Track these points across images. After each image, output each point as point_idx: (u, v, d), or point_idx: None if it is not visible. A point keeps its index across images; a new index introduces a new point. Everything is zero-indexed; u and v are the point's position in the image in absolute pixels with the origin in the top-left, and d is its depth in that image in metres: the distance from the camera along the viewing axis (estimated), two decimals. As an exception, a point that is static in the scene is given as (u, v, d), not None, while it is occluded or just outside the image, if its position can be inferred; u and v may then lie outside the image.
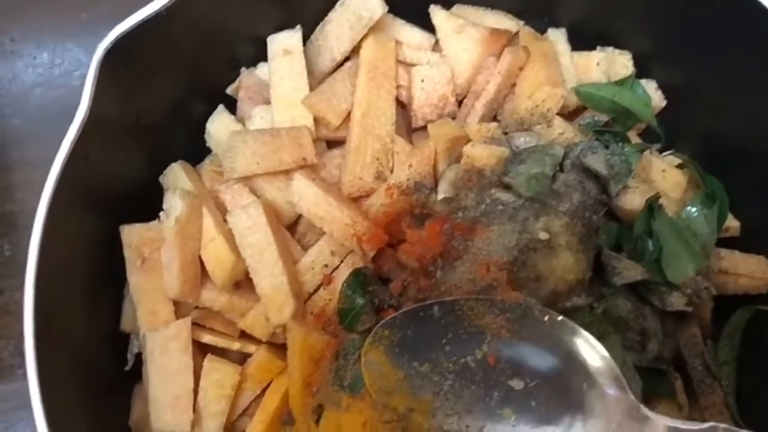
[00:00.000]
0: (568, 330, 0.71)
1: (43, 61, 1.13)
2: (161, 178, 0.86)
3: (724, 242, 0.90)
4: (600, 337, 0.74)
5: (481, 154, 0.80)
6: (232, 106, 0.92)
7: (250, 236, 0.79)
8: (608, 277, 0.80)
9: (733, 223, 0.90)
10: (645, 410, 0.69)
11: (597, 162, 0.81)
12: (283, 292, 0.79)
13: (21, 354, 0.95)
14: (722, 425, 0.66)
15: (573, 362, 0.70)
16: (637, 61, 0.94)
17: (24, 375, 0.96)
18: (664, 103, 0.94)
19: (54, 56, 1.13)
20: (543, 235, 0.74)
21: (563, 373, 0.71)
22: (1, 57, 1.13)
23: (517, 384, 0.71)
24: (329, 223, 0.82)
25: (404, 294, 0.80)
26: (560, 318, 0.71)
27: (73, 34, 1.11)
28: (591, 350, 0.70)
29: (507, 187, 0.78)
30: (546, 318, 0.71)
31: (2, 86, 1.11)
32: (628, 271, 0.79)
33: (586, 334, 0.71)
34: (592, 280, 0.80)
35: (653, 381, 0.81)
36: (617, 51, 0.94)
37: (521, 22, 0.95)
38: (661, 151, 0.96)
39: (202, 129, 0.90)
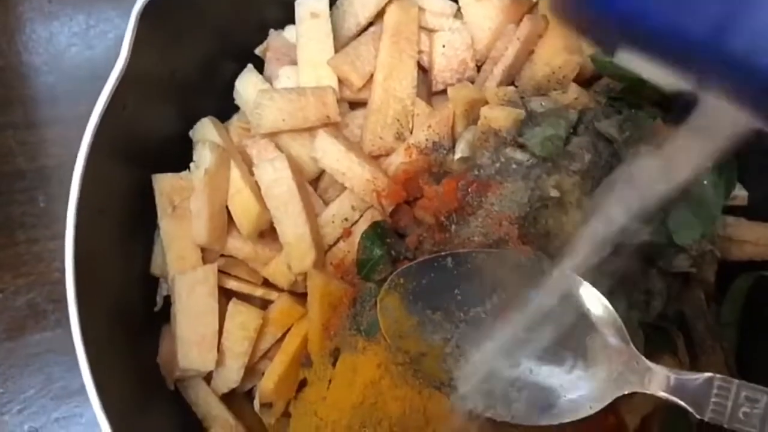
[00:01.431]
0: (575, 283, 0.74)
1: (79, 22, 1.17)
2: (191, 132, 0.90)
3: (732, 210, 0.93)
4: (605, 294, 0.78)
5: (498, 115, 0.84)
6: (260, 66, 0.96)
7: (276, 188, 0.83)
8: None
9: (740, 193, 0.92)
10: (645, 361, 0.73)
11: (609, 127, 0.84)
12: (305, 241, 0.83)
13: (53, 300, 1.02)
14: (718, 375, 0.70)
15: (578, 312, 0.74)
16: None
17: (56, 321, 1.02)
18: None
19: (89, 18, 1.17)
20: (554, 193, 0.78)
21: (569, 323, 0.74)
22: (40, 18, 1.17)
23: (524, 331, 0.75)
24: (350, 178, 0.86)
25: (420, 248, 0.84)
26: (567, 271, 0.74)
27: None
28: (595, 301, 0.74)
29: (522, 147, 0.82)
30: (554, 271, 0.75)
31: (39, 45, 1.16)
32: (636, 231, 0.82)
33: (590, 287, 0.74)
34: (600, 239, 0.84)
35: (656, 338, 0.84)
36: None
37: (541, -9, 0.98)
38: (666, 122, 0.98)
39: (231, 87, 0.94)
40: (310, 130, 0.88)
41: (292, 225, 0.83)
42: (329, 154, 0.85)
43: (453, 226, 0.81)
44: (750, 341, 0.91)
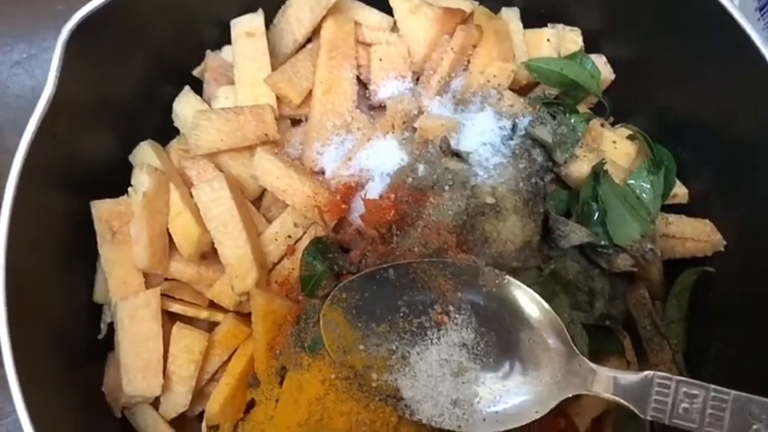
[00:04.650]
0: (514, 287, 0.75)
1: (20, 51, 1.16)
2: (131, 157, 0.90)
3: (673, 208, 0.94)
4: (548, 297, 0.78)
5: (433, 125, 0.84)
6: (199, 87, 0.96)
7: (215, 209, 0.83)
8: (556, 240, 0.84)
9: (680, 190, 0.94)
10: (587, 362, 0.73)
11: (543, 132, 0.85)
12: (247, 261, 0.83)
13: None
14: (659, 373, 0.70)
15: (518, 316, 0.74)
16: (588, 38, 0.98)
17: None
18: (612, 76, 0.98)
19: (31, 47, 1.16)
20: (489, 200, 0.78)
21: (510, 327, 0.75)
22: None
23: (467, 338, 0.75)
24: (291, 195, 0.86)
25: (364, 261, 0.84)
26: (506, 276, 0.75)
27: (50, 26, 1.13)
28: (533, 305, 0.74)
29: (458, 156, 0.82)
30: (492, 277, 0.75)
31: (-19, 75, 1.15)
32: (575, 234, 0.83)
33: (529, 290, 0.75)
34: (541, 243, 0.85)
35: (602, 339, 0.85)
36: (567, 28, 0.98)
37: (476, 2, 0.99)
38: (613, 124, 1.00)
39: (170, 110, 0.94)
40: (250, 148, 0.88)
41: (232, 245, 0.83)
42: (268, 171, 0.85)
43: (394, 238, 0.82)
44: (698, 336, 0.92)
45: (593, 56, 0.97)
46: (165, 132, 0.94)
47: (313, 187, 0.85)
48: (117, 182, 0.87)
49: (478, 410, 0.74)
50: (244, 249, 0.83)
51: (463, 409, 0.74)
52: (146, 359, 0.81)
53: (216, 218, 0.83)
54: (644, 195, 0.89)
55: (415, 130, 0.88)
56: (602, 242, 0.84)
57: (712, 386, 0.68)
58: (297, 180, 0.85)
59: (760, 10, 1.10)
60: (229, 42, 0.95)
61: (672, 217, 0.92)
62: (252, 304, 0.82)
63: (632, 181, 0.90)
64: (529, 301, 0.75)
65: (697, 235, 0.90)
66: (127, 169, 0.89)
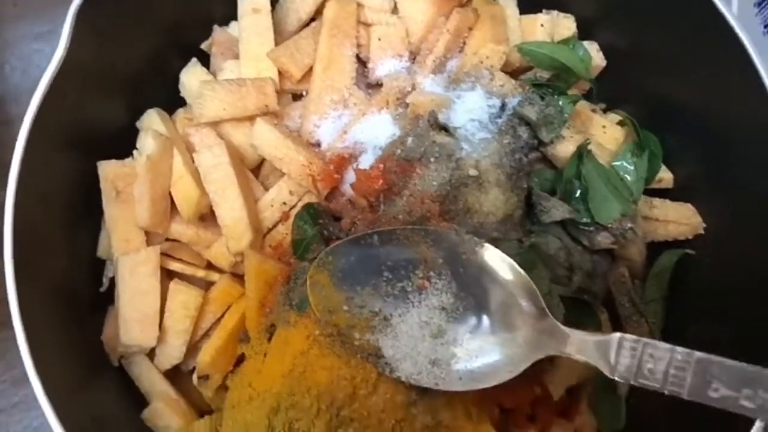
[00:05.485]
0: (490, 253, 0.78)
1: (42, 25, 1.22)
2: (138, 123, 0.94)
3: (658, 192, 0.97)
4: (527, 268, 0.82)
5: (424, 100, 0.88)
6: (206, 60, 1.01)
7: (214, 173, 0.88)
8: (538, 215, 0.87)
9: (666, 175, 0.97)
10: (559, 325, 0.76)
11: (531, 111, 0.88)
12: (242, 224, 0.87)
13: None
14: (627, 335, 0.73)
15: (494, 281, 0.78)
16: (582, 24, 1.02)
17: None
18: (604, 63, 1.01)
19: (55, 19, 1.21)
20: (473, 172, 0.82)
21: (487, 291, 0.78)
22: (5, 22, 1.22)
23: (446, 302, 0.79)
24: (287, 164, 0.90)
25: (354, 229, 0.88)
26: (483, 243, 0.79)
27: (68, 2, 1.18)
28: (508, 270, 0.78)
29: (445, 130, 0.86)
30: (471, 244, 0.79)
31: (6, 46, 1.20)
32: (556, 210, 0.86)
33: (506, 256, 0.78)
34: (524, 218, 0.88)
35: (579, 312, 0.88)
36: (561, 14, 1.01)
37: (475, -13, 1.03)
38: (606, 110, 1.03)
39: (178, 81, 0.99)
40: (251, 119, 0.93)
41: (229, 208, 0.87)
42: (267, 141, 0.90)
43: (382, 206, 0.86)
44: (678, 316, 0.95)
45: (586, 43, 1.00)
46: (172, 101, 0.99)
47: (309, 157, 0.90)
48: (124, 145, 0.92)
49: (455, 370, 0.78)
50: (240, 212, 0.87)
51: (440, 369, 0.78)
52: (144, 312, 0.85)
53: (215, 182, 0.87)
54: (627, 176, 0.92)
55: (407, 106, 0.92)
56: (584, 219, 0.88)
57: (678, 348, 0.70)
58: (294, 150, 0.89)
59: (758, 5, 1.13)
60: (236, 18, 0.99)
61: (656, 201, 0.96)
62: (245, 264, 0.87)
63: (617, 163, 0.93)
64: (505, 266, 0.78)
65: (679, 218, 0.94)
66: (134, 134, 0.94)
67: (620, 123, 0.99)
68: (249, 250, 0.87)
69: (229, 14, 1.00)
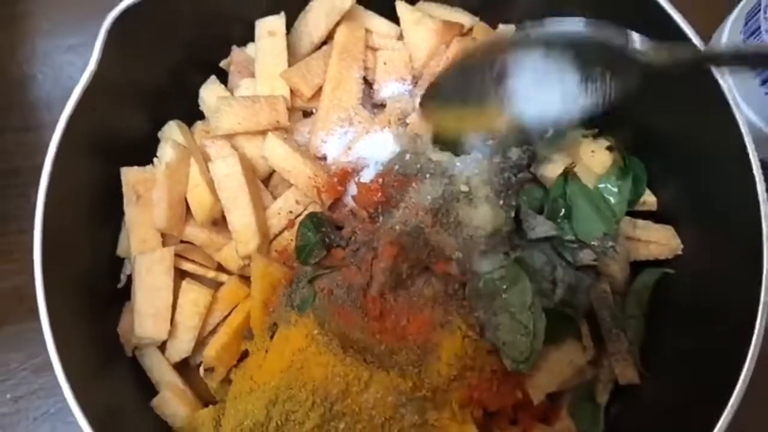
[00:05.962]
0: None
1: (74, 38, 1.30)
2: (159, 133, 1.02)
3: (643, 215, 1.03)
4: (512, 280, 0.89)
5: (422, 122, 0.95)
6: (224, 78, 1.09)
7: (227, 182, 0.95)
8: (525, 231, 0.94)
9: (649, 198, 1.03)
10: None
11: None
12: (251, 229, 0.94)
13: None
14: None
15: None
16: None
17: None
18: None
19: (87, 34, 1.29)
20: (464, 188, 0.89)
21: None
22: (40, 34, 1.31)
23: None
24: (295, 176, 0.97)
25: (353, 238, 0.95)
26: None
27: (98, 17, 1.26)
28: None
29: (441, 149, 0.93)
30: None
31: (38, 58, 1.29)
32: (541, 226, 0.93)
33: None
34: (512, 233, 0.95)
35: (561, 324, 0.94)
36: (557, 45, 1.08)
37: (477, 18, 1.10)
38: (596, 136, 1.09)
39: (197, 96, 1.07)
40: (263, 133, 1.00)
41: (239, 215, 0.94)
42: (277, 153, 0.97)
43: (380, 217, 0.92)
44: (657, 333, 1.00)
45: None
46: (191, 114, 1.07)
47: (315, 170, 0.97)
48: (145, 153, 0.99)
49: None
50: (249, 219, 0.94)
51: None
52: (157, 307, 0.92)
53: (227, 190, 0.95)
54: (611, 198, 0.99)
55: (408, 125, 0.99)
56: (568, 237, 0.94)
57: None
58: (301, 163, 0.97)
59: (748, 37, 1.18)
60: (253, 39, 1.07)
61: (640, 222, 1.01)
62: (252, 267, 0.94)
63: (601, 185, 0.99)
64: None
65: (659, 239, 0.99)
66: (155, 143, 1.01)
67: (608, 148, 1.05)
68: (256, 254, 0.94)
69: (247, 36, 1.08)
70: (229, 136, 1.00)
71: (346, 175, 0.97)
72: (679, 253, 0.99)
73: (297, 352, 0.87)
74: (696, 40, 0.88)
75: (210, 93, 1.05)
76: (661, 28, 0.90)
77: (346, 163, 0.99)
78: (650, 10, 0.91)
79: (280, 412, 0.84)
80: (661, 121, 1.02)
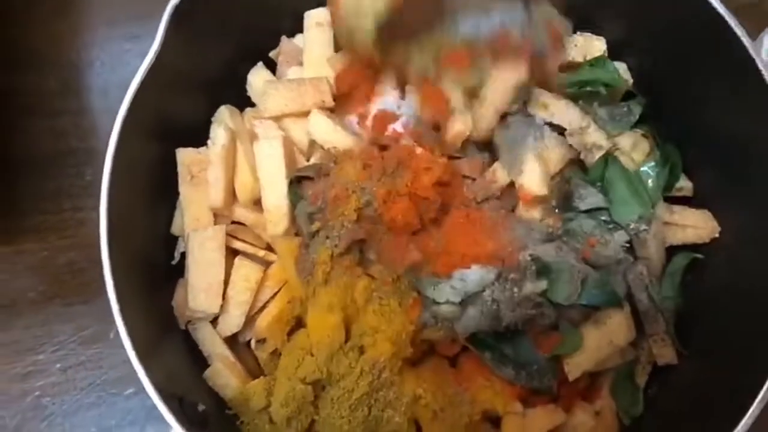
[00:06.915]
0: None
1: (133, 29, 1.36)
2: (213, 118, 1.07)
3: (679, 200, 1.06)
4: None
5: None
6: (272, 68, 1.13)
7: (267, 163, 0.99)
8: (574, 201, 0.97)
9: (686, 184, 1.05)
10: None
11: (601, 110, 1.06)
12: (281, 211, 0.98)
13: (91, 260, 1.17)
14: None
15: None
16: (612, 46, 1.11)
17: (91, 278, 1.17)
18: (631, 81, 1.10)
19: (145, 24, 1.31)
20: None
21: None
22: (100, 24, 1.37)
23: None
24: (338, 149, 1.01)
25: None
26: None
27: (156, 9, 1.30)
28: None
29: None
30: None
31: (97, 45, 1.35)
32: (593, 197, 0.97)
33: None
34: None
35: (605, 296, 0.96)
36: (594, 36, 1.11)
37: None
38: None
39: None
40: (309, 114, 1.03)
41: (274, 196, 0.98)
42: (320, 128, 1.01)
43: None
44: (691, 314, 1.02)
45: (616, 63, 1.09)
46: (241, 102, 1.11)
47: (357, 142, 1.01)
48: (199, 136, 1.04)
49: None
50: (282, 201, 0.98)
51: None
52: (209, 282, 0.96)
53: (266, 170, 0.98)
54: (649, 182, 1.02)
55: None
56: (603, 218, 0.97)
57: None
58: (343, 136, 1.01)
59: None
60: (301, 31, 1.11)
61: (676, 207, 1.04)
62: (276, 247, 0.99)
63: (641, 170, 1.02)
64: None
65: (696, 223, 1.02)
66: (207, 126, 1.05)
67: (644, 136, 1.07)
68: (279, 237, 0.98)
69: (295, 27, 1.12)
70: (277, 118, 1.04)
71: (385, 120, 1.02)
72: (716, 236, 1.00)
73: (339, 311, 0.91)
74: (746, 40, 0.90)
75: (257, 78, 1.10)
76: (713, 28, 0.93)
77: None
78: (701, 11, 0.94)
79: (329, 380, 0.88)
80: (695, 110, 1.04)
